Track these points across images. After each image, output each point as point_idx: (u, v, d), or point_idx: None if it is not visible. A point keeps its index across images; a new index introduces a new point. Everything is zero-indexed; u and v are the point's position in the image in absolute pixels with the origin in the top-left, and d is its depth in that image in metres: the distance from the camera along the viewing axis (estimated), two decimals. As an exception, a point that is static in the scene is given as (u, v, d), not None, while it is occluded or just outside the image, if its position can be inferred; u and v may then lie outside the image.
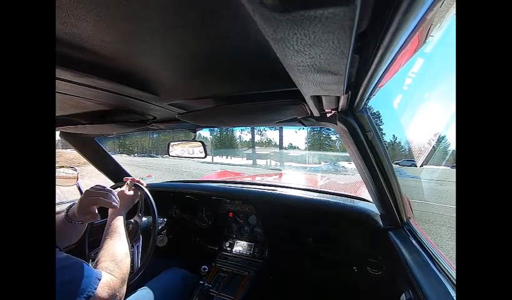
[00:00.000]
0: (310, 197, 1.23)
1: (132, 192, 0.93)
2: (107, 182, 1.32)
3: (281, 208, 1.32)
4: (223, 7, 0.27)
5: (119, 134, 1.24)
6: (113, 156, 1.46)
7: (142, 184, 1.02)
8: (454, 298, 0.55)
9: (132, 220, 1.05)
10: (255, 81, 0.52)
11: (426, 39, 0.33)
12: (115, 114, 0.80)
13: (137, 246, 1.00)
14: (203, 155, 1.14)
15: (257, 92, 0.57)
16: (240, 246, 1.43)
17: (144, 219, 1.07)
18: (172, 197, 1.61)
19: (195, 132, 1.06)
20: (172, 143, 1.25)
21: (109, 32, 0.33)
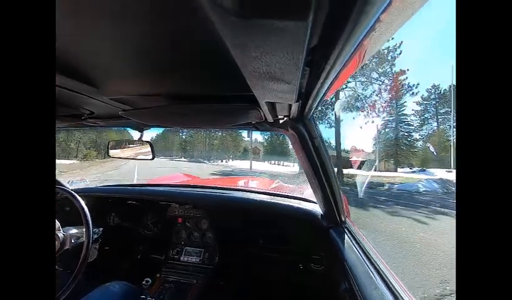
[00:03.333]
0: (260, 199, 1.26)
1: None
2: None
3: (232, 211, 1.31)
4: (183, 6, 0.26)
5: None
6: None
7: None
8: (380, 285, 0.64)
9: (57, 233, 0.89)
10: (210, 83, 0.51)
11: (362, 61, 0.38)
12: None
13: (60, 264, 0.85)
14: (150, 157, 1.05)
15: (211, 94, 0.56)
16: (189, 253, 1.36)
17: (75, 231, 0.92)
18: (110, 203, 1.43)
19: (142, 131, 0.97)
20: (112, 142, 1.11)
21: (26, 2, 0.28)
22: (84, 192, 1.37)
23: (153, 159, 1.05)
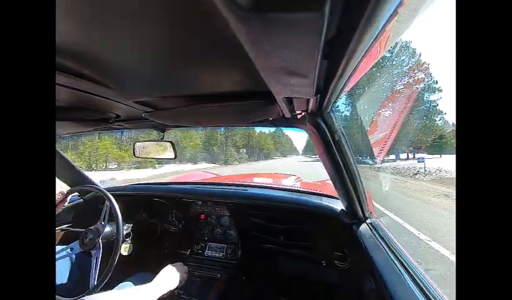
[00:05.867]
0: (280, 195, 1.26)
1: None
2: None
3: (253, 207, 1.33)
4: (197, 5, 0.26)
5: (76, 133, 1.13)
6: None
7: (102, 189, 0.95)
8: (410, 285, 0.61)
9: (92, 228, 0.97)
10: (228, 81, 0.51)
11: (385, 48, 0.36)
12: (70, 110, 0.73)
13: (96, 258, 0.92)
14: (172, 156, 1.09)
15: (229, 92, 0.56)
16: (212, 248, 1.40)
17: (108, 228, 0.99)
18: (138, 201, 1.51)
19: (163, 132, 1.01)
20: (137, 143, 1.17)
21: (64, 21, 0.30)
22: (115, 191, 1.46)
23: (175, 158, 1.09)
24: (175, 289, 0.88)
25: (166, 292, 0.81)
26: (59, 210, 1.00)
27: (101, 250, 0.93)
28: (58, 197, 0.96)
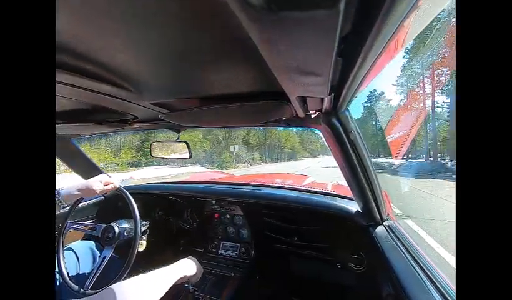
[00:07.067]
0: (294, 195, 1.25)
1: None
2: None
3: (266, 207, 1.32)
4: (209, 6, 0.26)
5: (98, 133, 1.19)
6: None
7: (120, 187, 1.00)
8: (431, 290, 0.58)
9: (115, 228, 1.01)
10: (242, 81, 0.51)
11: (403, 44, 0.35)
12: (93, 112, 0.77)
13: (103, 258, 0.95)
14: (187, 155, 1.11)
15: (244, 92, 0.57)
16: (226, 248, 1.42)
17: (126, 225, 1.03)
18: (155, 200, 1.56)
19: (179, 132, 1.04)
20: (154, 143, 1.21)
21: (83, 27, 0.31)
22: (132, 189, 1.52)
23: (190, 157, 1.12)
24: (191, 277, 0.89)
25: (183, 276, 0.83)
26: (104, 193, 1.06)
27: (111, 253, 0.97)
28: (110, 186, 1.02)
